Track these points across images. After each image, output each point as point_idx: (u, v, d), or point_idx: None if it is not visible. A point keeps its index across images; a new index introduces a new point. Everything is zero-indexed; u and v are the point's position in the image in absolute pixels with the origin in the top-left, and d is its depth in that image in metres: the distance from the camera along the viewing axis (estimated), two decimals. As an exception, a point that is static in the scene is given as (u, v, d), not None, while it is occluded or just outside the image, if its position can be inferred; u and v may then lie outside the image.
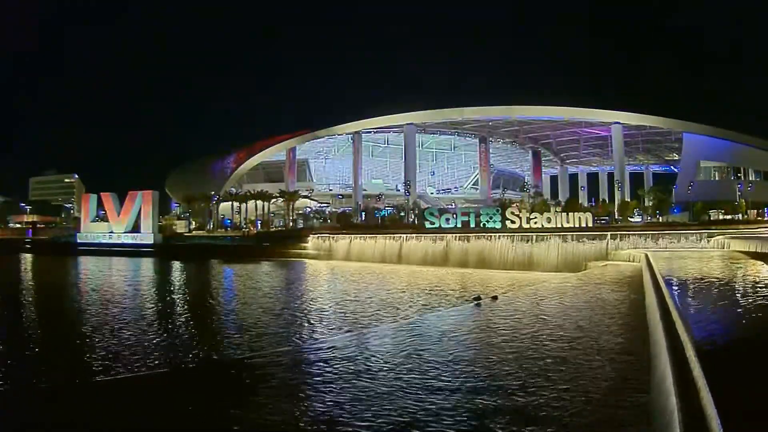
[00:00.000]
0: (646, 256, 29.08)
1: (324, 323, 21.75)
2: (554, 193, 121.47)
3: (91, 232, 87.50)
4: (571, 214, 56.37)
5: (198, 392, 11.99)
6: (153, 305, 29.36)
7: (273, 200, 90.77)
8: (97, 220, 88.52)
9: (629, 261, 36.88)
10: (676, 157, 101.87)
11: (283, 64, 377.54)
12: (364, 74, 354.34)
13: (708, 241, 40.51)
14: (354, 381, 11.08)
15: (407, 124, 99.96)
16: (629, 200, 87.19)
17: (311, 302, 29.40)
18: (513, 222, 54.58)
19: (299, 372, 12.80)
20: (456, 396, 9.99)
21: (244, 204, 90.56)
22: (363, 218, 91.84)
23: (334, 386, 10.83)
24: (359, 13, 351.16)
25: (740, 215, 67.02)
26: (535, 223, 54.13)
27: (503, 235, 50.48)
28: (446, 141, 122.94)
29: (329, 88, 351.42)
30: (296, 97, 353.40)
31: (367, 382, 10.96)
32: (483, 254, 49.85)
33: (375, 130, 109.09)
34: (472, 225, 56.31)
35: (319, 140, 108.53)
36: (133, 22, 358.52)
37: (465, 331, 17.03)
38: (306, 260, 60.38)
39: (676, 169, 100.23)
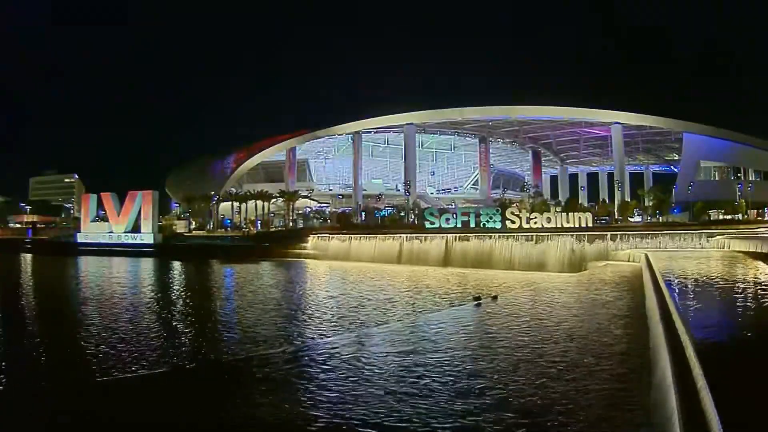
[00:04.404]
0: (646, 256, 29.09)
1: (324, 323, 21.72)
2: (554, 193, 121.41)
3: (91, 232, 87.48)
4: (571, 214, 56.38)
5: (198, 392, 12.00)
6: (153, 305, 29.34)
7: (273, 200, 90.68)
8: (97, 220, 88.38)
9: (629, 261, 36.90)
10: (676, 157, 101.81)
11: (283, 64, 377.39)
12: (364, 74, 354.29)
13: (708, 241, 40.48)
14: (354, 379, 11.08)
15: (407, 124, 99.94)
16: (629, 200, 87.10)
17: (311, 302, 29.39)
18: (513, 222, 54.58)
19: (300, 371, 12.80)
20: (451, 392, 10.00)
21: (244, 204, 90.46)
22: (363, 218, 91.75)
23: (334, 385, 10.84)
24: (360, 13, 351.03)
25: (740, 215, 66.94)
26: (535, 223, 54.14)
27: (503, 236, 50.47)
28: (446, 141, 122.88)
29: (329, 88, 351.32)
30: (296, 97, 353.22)
31: (366, 380, 10.97)
32: (482, 254, 49.80)
33: (375, 130, 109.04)
34: (472, 225, 56.31)
35: (319, 140, 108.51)
36: (134, 23, 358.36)
37: (465, 331, 17.04)
38: (306, 260, 60.35)
39: (676, 169, 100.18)
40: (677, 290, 14.49)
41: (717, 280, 16.97)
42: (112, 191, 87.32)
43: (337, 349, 14.95)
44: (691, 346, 7.35)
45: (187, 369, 14.91)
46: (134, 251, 77.56)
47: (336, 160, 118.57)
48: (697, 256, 28.55)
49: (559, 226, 52.74)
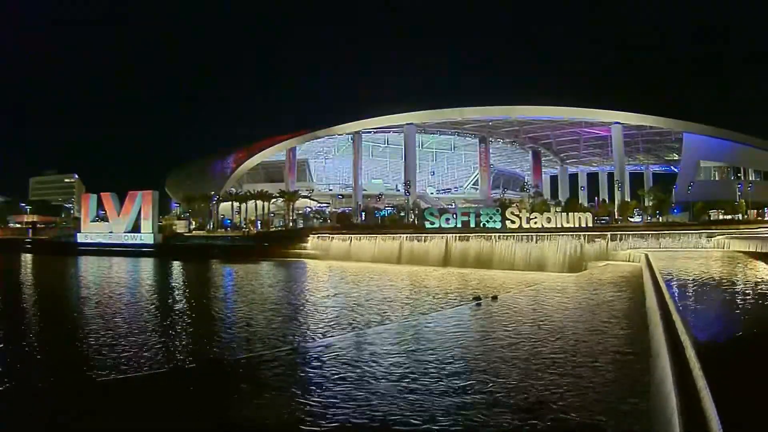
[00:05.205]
0: (646, 256, 29.06)
1: (323, 323, 21.74)
2: (554, 193, 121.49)
3: (91, 232, 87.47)
4: (571, 214, 56.42)
5: (198, 392, 11.99)
6: (153, 305, 29.35)
7: (273, 200, 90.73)
8: (97, 220, 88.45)
9: (629, 261, 36.84)
10: (676, 157, 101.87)
11: (283, 64, 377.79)
12: (364, 74, 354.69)
13: (708, 241, 40.46)
14: (354, 379, 11.08)
15: (407, 124, 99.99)
16: (629, 200, 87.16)
17: (310, 303, 29.39)
18: (513, 222, 54.61)
19: (299, 371, 12.80)
20: (449, 392, 10.00)
21: (244, 204, 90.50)
22: (363, 218, 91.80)
23: (334, 385, 10.84)
24: (360, 13, 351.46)
25: (740, 215, 66.99)
26: (535, 223, 54.15)
27: (503, 236, 50.47)
28: (446, 141, 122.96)
29: (329, 88, 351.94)
30: (296, 97, 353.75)
31: (365, 380, 10.97)
32: (482, 254, 49.79)
33: (375, 130, 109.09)
34: (472, 225, 56.33)
35: (319, 140, 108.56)
36: (134, 23, 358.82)
37: (465, 331, 17.03)
38: (306, 260, 60.33)
39: (676, 169, 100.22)
40: (677, 290, 14.48)
41: (717, 280, 16.97)
42: (112, 191, 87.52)
43: (336, 350, 14.94)
44: (691, 346, 7.35)
45: (187, 369, 14.90)
46: (134, 251, 77.65)
47: (336, 160, 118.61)
48: (697, 256, 28.53)
49: (559, 226, 52.77)
